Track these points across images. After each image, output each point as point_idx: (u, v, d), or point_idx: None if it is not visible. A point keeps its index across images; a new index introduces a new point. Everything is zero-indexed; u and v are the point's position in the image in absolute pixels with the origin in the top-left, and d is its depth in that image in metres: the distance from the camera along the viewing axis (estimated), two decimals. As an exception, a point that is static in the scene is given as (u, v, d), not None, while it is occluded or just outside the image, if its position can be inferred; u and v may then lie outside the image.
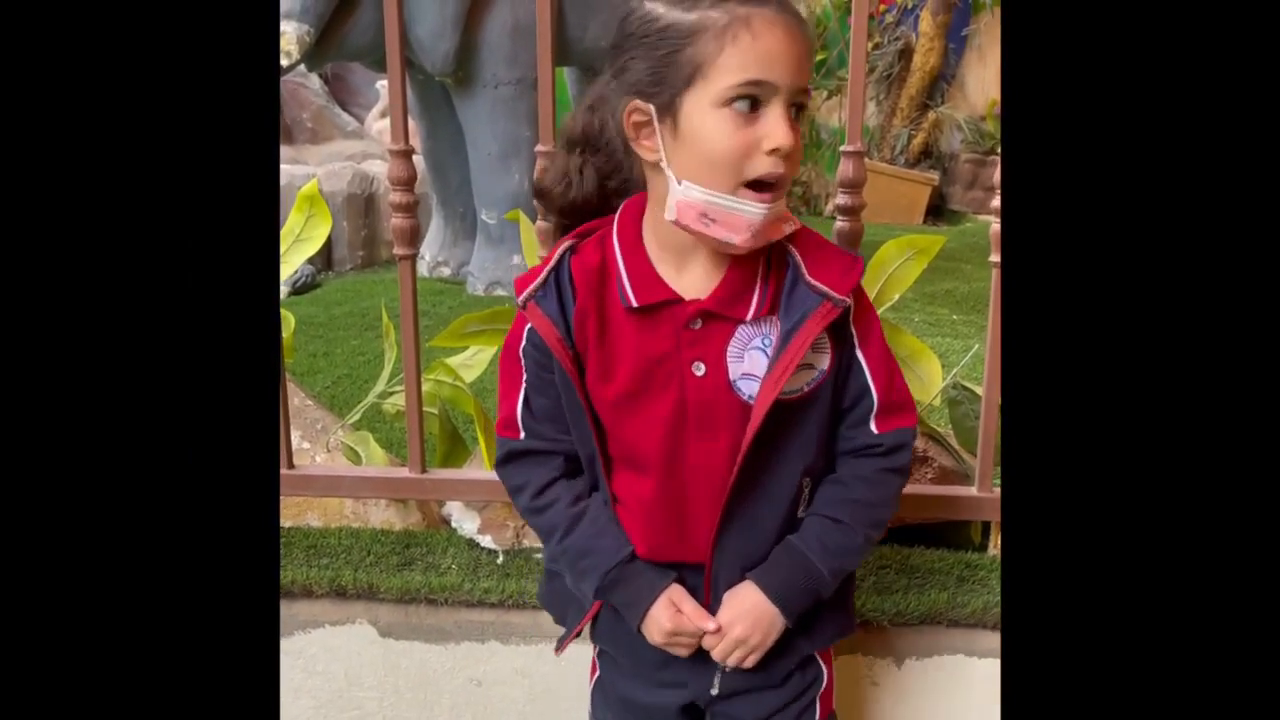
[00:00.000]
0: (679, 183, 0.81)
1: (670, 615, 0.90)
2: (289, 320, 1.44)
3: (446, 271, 3.21)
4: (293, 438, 1.41)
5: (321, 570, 1.32)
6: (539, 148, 1.21)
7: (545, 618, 1.27)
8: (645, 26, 0.81)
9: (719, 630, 0.89)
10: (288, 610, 1.29)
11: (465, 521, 1.41)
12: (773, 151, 0.79)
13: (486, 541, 1.38)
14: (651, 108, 0.82)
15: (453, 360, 1.53)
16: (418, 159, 2.24)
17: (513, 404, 0.94)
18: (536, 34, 1.20)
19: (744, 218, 0.81)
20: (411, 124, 1.85)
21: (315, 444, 1.54)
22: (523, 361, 0.93)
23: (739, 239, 0.82)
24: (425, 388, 1.37)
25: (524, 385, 0.93)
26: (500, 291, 2.95)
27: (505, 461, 0.97)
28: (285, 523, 1.43)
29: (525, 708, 1.30)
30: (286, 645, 1.29)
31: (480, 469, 1.41)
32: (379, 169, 3.58)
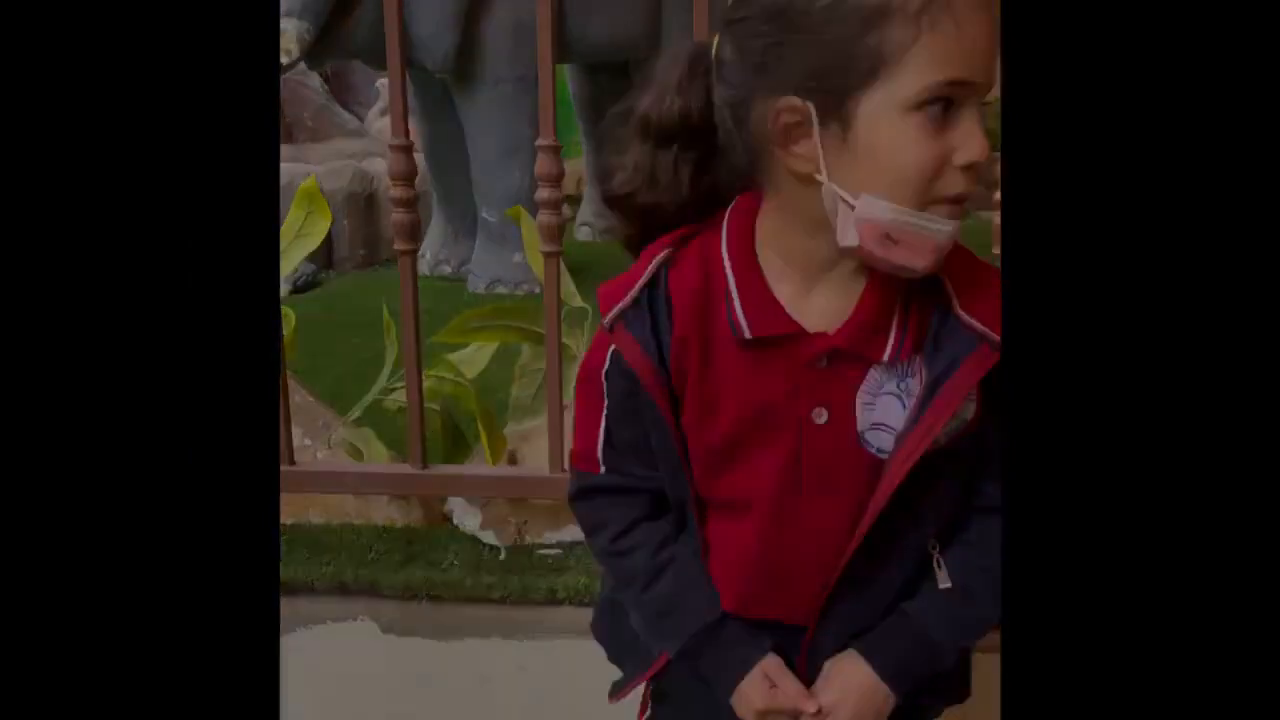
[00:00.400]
0: (855, 197, 0.65)
1: (764, 692, 0.77)
2: (290, 318, 1.45)
3: (448, 269, 3.21)
4: (294, 434, 1.41)
5: (323, 567, 1.32)
6: (539, 142, 1.21)
7: (550, 613, 1.28)
8: (803, 0, 0.64)
9: (820, 713, 0.76)
10: (290, 607, 1.29)
11: (467, 518, 1.41)
12: (968, 166, 0.65)
13: (488, 537, 1.39)
14: (811, 107, 0.65)
15: (454, 356, 1.53)
16: (418, 155, 2.24)
17: (592, 435, 0.80)
18: (537, 31, 1.20)
19: (934, 239, 0.66)
20: (411, 121, 1.85)
21: (317, 441, 1.55)
22: (604, 386, 0.78)
23: (923, 263, 0.67)
24: (426, 384, 1.38)
25: (605, 414, 0.79)
26: (501, 289, 2.95)
27: (580, 497, 0.83)
28: (287, 520, 1.43)
29: (528, 703, 1.30)
30: (289, 642, 1.29)
31: (481, 465, 1.41)
32: (380, 167, 3.58)
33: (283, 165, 2.70)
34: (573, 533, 1.35)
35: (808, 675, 0.79)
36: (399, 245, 1.26)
